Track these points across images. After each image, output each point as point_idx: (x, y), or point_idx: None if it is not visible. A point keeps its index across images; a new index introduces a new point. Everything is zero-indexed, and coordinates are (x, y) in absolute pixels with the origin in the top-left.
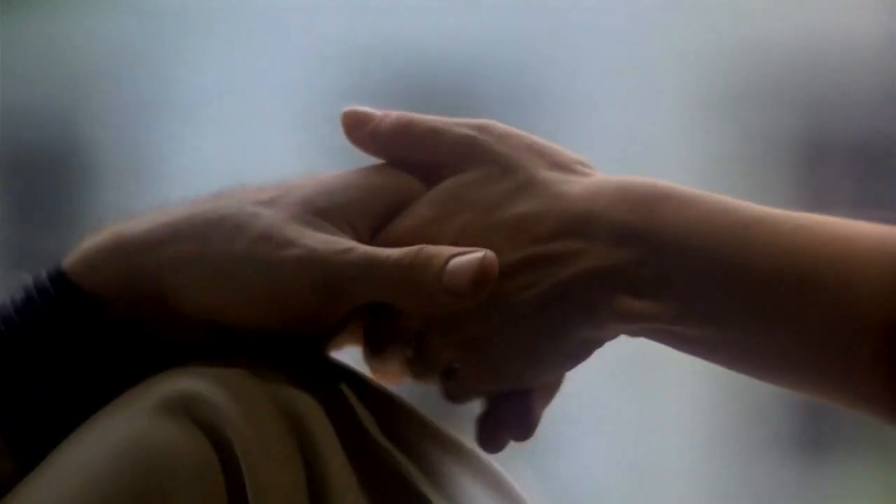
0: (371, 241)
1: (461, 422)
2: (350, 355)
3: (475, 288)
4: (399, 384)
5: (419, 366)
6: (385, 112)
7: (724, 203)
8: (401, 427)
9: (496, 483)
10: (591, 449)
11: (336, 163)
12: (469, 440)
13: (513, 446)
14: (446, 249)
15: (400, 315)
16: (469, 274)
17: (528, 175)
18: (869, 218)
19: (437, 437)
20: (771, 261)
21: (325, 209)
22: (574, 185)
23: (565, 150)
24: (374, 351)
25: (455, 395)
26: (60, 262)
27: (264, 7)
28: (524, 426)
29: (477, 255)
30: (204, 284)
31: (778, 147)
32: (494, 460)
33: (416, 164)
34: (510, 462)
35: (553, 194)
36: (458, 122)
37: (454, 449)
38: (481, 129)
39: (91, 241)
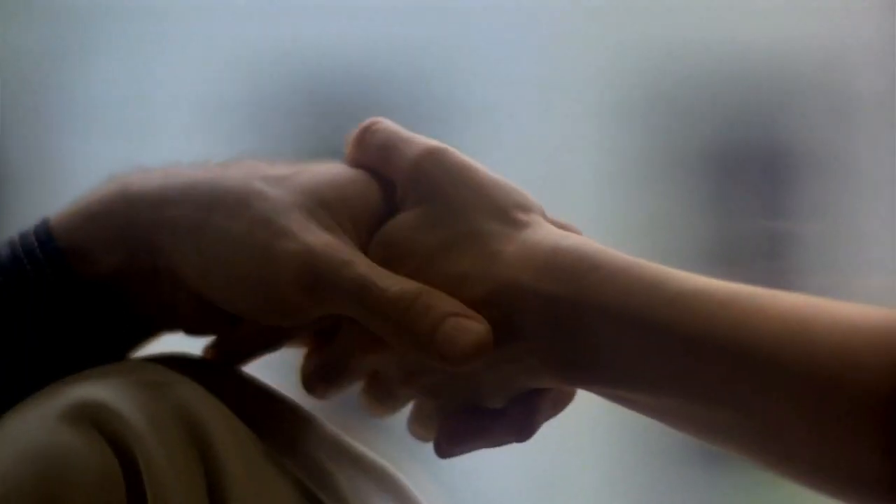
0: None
1: (370, 434)
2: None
3: (465, 359)
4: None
5: (376, 397)
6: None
7: (652, 275)
8: (306, 439)
9: (403, 497)
10: (496, 459)
11: None
12: (376, 453)
13: (415, 457)
14: (446, 304)
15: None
16: (463, 344)
17: (468, 226)
18: (776, 227)
19: (344, 449)
20: (698, 335)
21: (331, 201)
22: (509, 244)
23: (508, 188)
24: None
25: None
26: (48, 220)
27: (168, 14)
28: (527, 429)
29: (476, 327)
30: (197, 255)
31: (687, 156)
32: (402, 473)
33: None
34: (415, 473)
35: (488, 255)
36: (411, 140)
37: (361, 462)
38: (430, 154)
39: (93, 192)
